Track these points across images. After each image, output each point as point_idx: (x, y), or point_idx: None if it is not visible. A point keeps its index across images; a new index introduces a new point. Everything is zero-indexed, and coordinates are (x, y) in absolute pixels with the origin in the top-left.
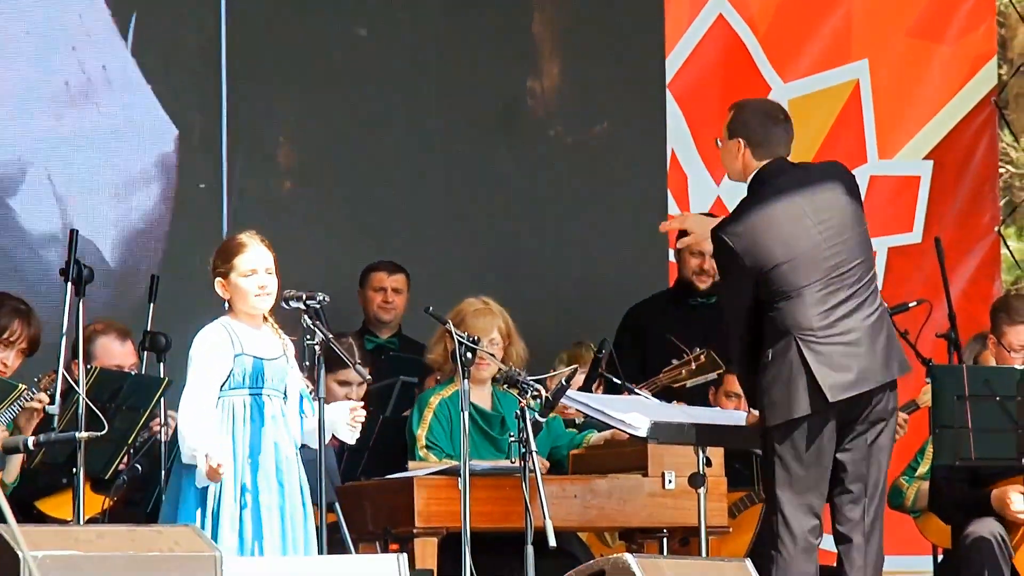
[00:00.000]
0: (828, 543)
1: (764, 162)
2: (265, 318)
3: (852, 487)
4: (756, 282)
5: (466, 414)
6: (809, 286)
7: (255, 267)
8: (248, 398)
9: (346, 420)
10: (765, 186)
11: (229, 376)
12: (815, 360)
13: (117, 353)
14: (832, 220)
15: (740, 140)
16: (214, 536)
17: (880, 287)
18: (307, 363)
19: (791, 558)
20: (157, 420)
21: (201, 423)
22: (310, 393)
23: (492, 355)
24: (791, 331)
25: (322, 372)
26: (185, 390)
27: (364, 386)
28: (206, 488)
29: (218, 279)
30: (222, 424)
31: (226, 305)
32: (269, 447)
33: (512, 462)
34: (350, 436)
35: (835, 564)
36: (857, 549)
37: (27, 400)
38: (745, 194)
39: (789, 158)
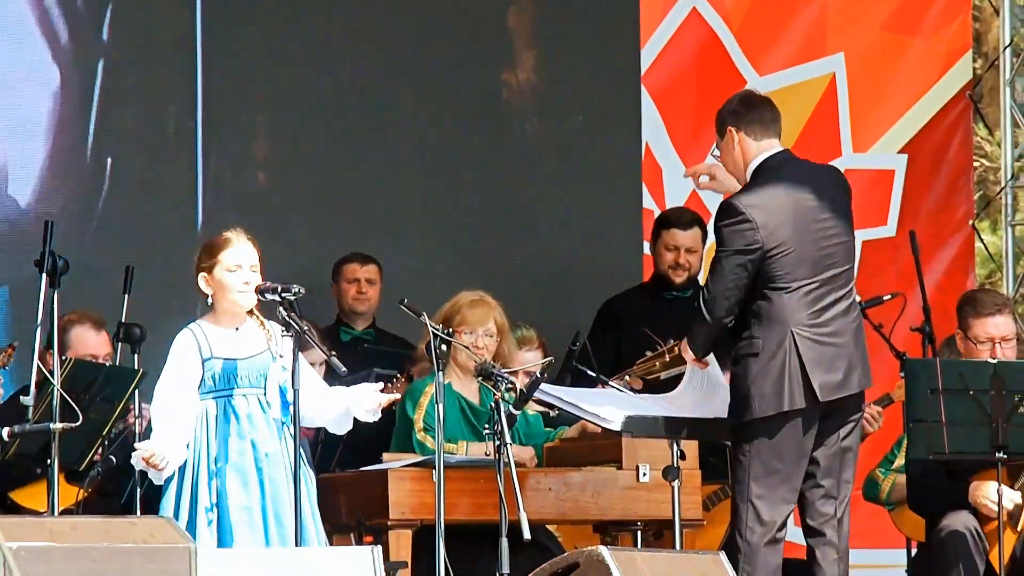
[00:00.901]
0: (794, 536)
1: (763, 145)
2: (251, 312)
3: (824, 483)
4: (756, 262)
5: (441, 406)
6: (807, 281)
7: (240, 263)
8: (223, 400)
9: (370, 407)
10: (773, 174)
11: (201, 382)
12: (810, 356)
13: (92, 343)
14: (831, 222)
15: (732, 128)
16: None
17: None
18: (281, 355)
19: (757, 548)
20: (132, 412)
21: (162, 422)
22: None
23: (467, 347)
24: (787, 324)
25: (298, 364)
26: (156, 389)
27: (325, 366)
28: (181, 490)
29: (202, 274)
30: (200, 430)
31: (209, 301)
32: (246, 448)
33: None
34: (370, 417)
35: (805, 557)
36: (830, 544)
37: None
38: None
39: (780, 141)
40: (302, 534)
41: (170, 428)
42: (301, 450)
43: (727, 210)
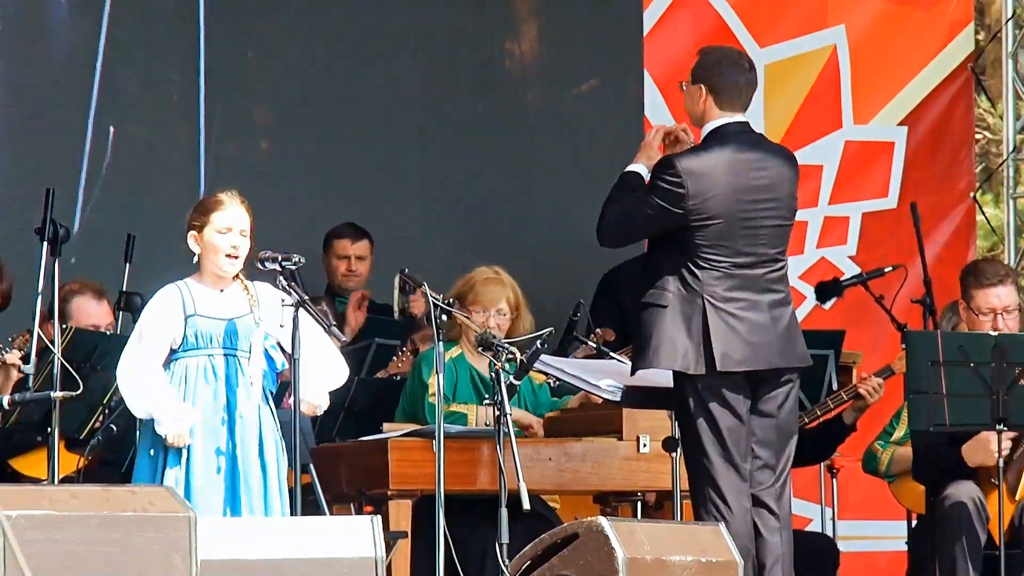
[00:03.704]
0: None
1: (725, 113)
2: (237, 276)
3: (762, 453)
4: (672, 222)
5: (441, 376)
6: (728, 260)
7: (231, 225)
8: (203, 359)
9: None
10: (722, 142)
11: (183, 339)
12: (716, 327)
13: (93, 312)
14: (768, 203)
15: (702, 86)
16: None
17: (855, 252)
18: (282, 325)
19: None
20: None
21: (151, 381)
22: (281, 351)
23: (467, 317)
24: (701, 292)
25: (298, 333)
26: (126, 349)
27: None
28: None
29: (192, 232)
30: (178, 388)
31: (195, 260)
32: (219, 407)
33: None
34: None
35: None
36: (771, 513)
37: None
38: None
39: (749, 111)
40: (266, 500)
41: (172, 397)
42: (274, 415)
43: (666, 166)
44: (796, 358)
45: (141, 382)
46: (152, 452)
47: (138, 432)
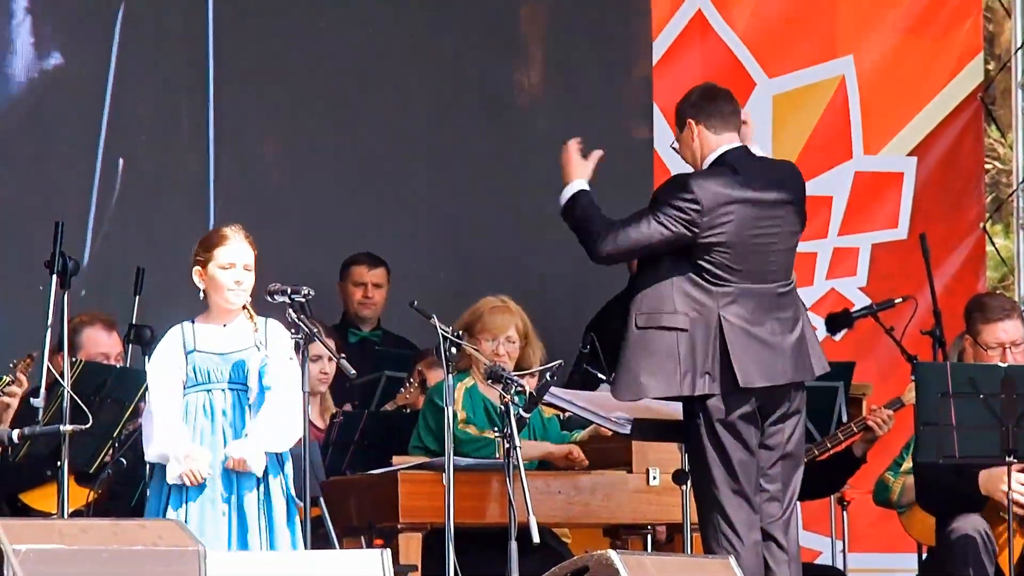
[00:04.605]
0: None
1: (723, 139)
2: (245, 306)
3: (769, 487)
4: (683, 239)
5: (449, 409)
6: (739, 281)
7: (234, 261)
8: (203, 395)
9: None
10: (729, 168)
11: (187, 376)
12: (734, 344)
13: (104, 343)
14: (776, 224)
15: (691, 120)
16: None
17: (865, 283)
18: (291, 357)
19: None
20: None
21: (167, 425)
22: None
23: (476, 349)
24: (716, 310)
25: (307, 366)
26: (149, 388)
27: (334, 361)
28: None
29: (196, 268)
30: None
31: (201, 295)
32: (218, 442)
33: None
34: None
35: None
36: (778, 546)
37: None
38: None
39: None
40: (272, 534)
41: (181, 439)
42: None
43: (680, 186)
44: (810, 370)
45: (151, 427)
46: (160, 492)
47: (148, 465)
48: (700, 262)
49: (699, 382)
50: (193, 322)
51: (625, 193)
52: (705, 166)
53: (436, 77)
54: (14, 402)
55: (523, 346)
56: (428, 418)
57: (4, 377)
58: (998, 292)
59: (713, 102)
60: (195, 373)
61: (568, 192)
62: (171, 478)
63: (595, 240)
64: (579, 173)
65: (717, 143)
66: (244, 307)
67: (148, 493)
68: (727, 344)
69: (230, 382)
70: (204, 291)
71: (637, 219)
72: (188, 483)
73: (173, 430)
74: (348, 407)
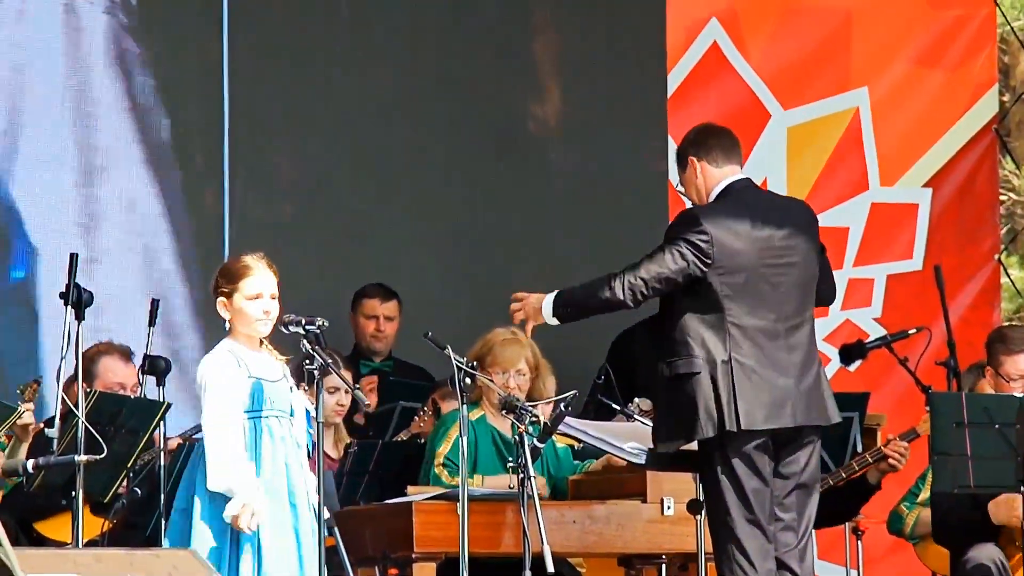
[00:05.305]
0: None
1: (726, 171)
2: (261, 341)
3: (784, 516)
4: (698, 274)
5: (464, 439)
6: (751, 313)
7: (260, 291)
8: (257, 421)
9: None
10: (736, 198)
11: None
12: (742, 385)
13: (121, 372)
14: (788, 255)
15: (692, 157)
16: (234, 562)
17: (880, 314)
18: (305, 387)
19: None
20: (156, 444)
21: (237, 457)
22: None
23: (490, 380)
24: (726, 350)
25: (321, 396)
26: (211, 416)
27: (350, 394)
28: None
29: (221, 299)
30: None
31: (227, 326)
32: (280, 468)
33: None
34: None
35: None
36: (794, 575)
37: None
38: None
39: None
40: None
41: (249, 475)
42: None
43: (691, 222)
44: (820, 416)
45: (221, 452)
46: (214, 536)
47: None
48: (712, 299)
49: (715, 423)
50: (232, 347)
51: (641, 226)
52: (711, 200)
53: (451, 109)
54: (32, 422)
55: (533, 378)
56: (428, 449)
57: (20, 407)
58: (1015, 324)
59: (712, 136)
60: (249, 399)
61: (547, 305)
62: (227, 516)
63: (608, 287)
64: (539, 302)
65: (720, 176)
66: (262, 342)
67: (172, 519)
68: (734, 385)
69: (278, 410)
70: (229, 322)
71: (651, 254)
72: (240, 529)
73: (244, 466)
74: (360, 417)
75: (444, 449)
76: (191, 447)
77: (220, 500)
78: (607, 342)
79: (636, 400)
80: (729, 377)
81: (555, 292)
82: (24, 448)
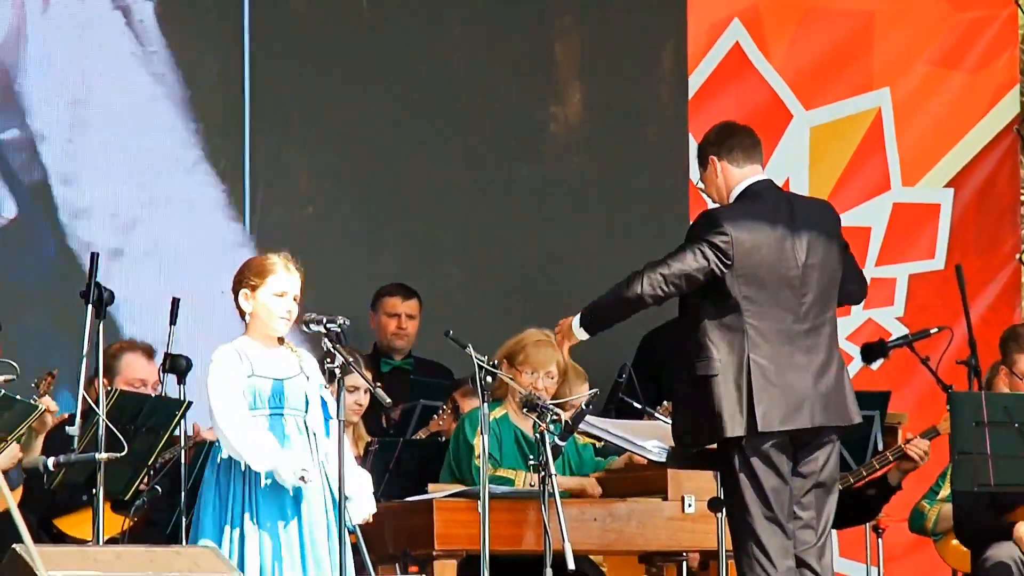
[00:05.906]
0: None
1: (747, 172)
2: (280, 339)
3: (803, 514)
4: (719, 273)
5: (485, 437)
6: (772, 313)
7: (285, 290)
8: (269, 419)
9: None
10: (757, 198)
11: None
12: (759, 385)
13: (143, 369)
14: (810, 255)
15: (713, 157)
16: (241, 555)
17: (902, 313)
18: (326, 386)
19: None
20: (178, 442)
21: (257, 433)
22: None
23: (511, 378)
24: (745, 350)
25: (342, 395)
26: (216, 406)
27: (369, 392)
28: (226, 506)
29: (244, 291)
30: None
31: (245, 319)
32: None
33: (532, 485)
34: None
35: None
36: (813, 573)
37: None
38: None
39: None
40: (343, 558)
41: (275, 445)
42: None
43: (712, 223)
44: (840, 417)
45: (256, 435)
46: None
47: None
48: (730, 301)
49: (734, 424)
50: (240, 345)
51: (661, 227)
52: (731, 200)
53: (473, 110)
54: (49, 418)
55: (560, 382)
56: (451, 448)
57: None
58: None
59: (733, 136)
60: (255, 397)
61: (576, 321)
62: (292, 482)
63: (628, 285)
64: (569, 321)
65: (741, 176)
66: (281, 340)
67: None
68: (751, 386)
69: (293, 408)
70: (248, 315)
71: (673, 252)
72: (307, 481)
73: (268, 441)
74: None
75: (479, 442)
76: (211, 446)
77: (221, 500)
78: (629, 342)
79: (664, 403)
80: (747, 378)
81: (580, 316)
82: (40, 440)
